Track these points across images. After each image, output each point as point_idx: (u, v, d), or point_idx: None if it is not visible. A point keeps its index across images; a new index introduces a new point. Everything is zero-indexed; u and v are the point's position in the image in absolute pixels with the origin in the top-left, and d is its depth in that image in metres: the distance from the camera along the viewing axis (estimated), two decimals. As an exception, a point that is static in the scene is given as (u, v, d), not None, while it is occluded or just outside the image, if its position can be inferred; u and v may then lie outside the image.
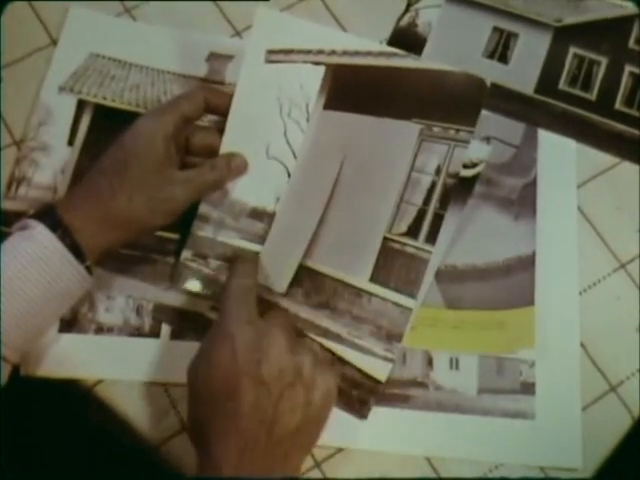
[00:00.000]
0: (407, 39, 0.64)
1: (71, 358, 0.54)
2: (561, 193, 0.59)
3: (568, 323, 0.55)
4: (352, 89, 0.56)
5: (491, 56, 0.63)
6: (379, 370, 0.52)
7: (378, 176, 0.55)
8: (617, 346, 0.55)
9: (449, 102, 0.54)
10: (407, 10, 0.65)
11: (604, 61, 0.63)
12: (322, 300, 0.54)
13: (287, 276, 0.55)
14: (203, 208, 0.55)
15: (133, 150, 0.51)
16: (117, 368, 0.54)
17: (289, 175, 0.56)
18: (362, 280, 0.54)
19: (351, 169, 0.55)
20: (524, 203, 0.58)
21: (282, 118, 0.56)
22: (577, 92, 0.62)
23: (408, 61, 0.55)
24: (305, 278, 0.55)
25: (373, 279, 0.53)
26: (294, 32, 0.56)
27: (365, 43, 0.56)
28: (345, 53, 0.56)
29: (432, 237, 0.53)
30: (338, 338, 0.53)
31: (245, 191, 0.56)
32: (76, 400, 0.54)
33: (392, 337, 0.52)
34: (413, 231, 0.53)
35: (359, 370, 0.52)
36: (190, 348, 0.54)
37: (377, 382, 0.52)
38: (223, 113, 0.55)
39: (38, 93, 0.61)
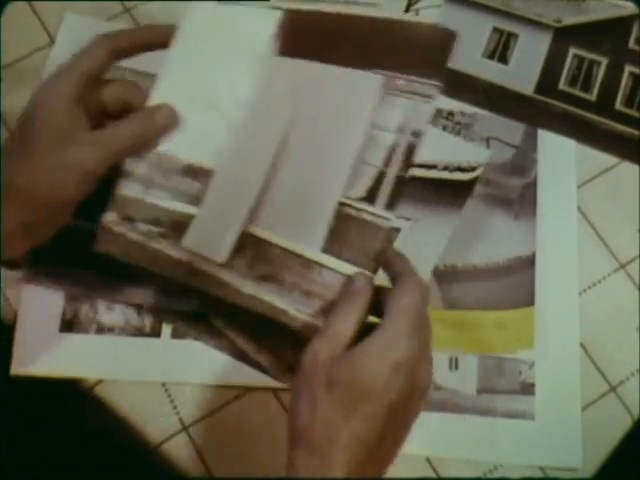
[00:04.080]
0: (407, 39, 0.64)
1: (72, 358, 0.54)
2: (561, 193, 0.59)
3: (568, 323, 0.55)
4: (310, 35, 0.51)
5: (491, 56, 0.63)
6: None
7: (333, 132, 0.49)
8: (617, 346, 0.55)
9: (414, 53, 0.49)
10: (407, 10, 0.65)
11: (604, 61, 0.63)
12: (268, 272, 0.49)
13: (228, 244, 0.49)
14: (129, 164, 0.49)
15: (32, 122, 0.46)
16: (118, 368, 0.54)
17: (231, 129, 0.50)
18: (313, 250, 0.48)
19: (302, 123, 0.50)
20: (524, 203, 0.58)
21: (229, 64, 0.50)
22: (577, 92, 0.62)
23: (370, 10, 0.50)
24: (248, 246, 0.49)
25: (325, 249, 0.48)
26: None
27: None
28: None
29: (392, 203, 0.48)
30: (284, 315, 0.48)
31: (177, 144, 0.50)
32: (76, 400, 0.54)
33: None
34: (371, 195, 0.48)
35: None
36: (191, 347, 0.54)
37: None
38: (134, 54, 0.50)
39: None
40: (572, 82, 0.62)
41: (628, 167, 0.60)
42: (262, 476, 0.52)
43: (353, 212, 0.48)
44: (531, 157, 0.59)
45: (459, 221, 0.56)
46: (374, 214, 0.48)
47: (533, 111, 0.61)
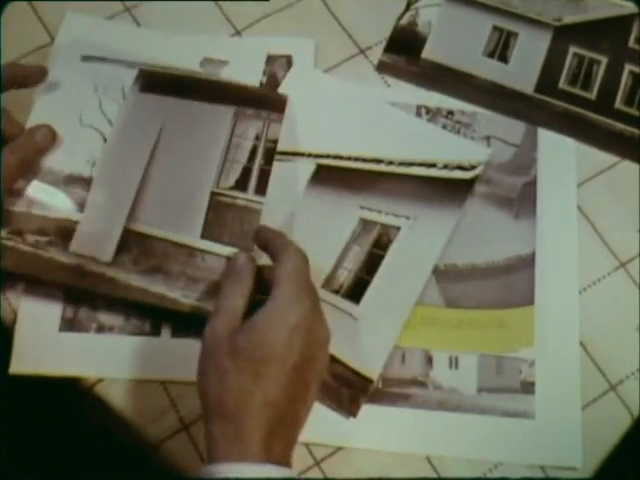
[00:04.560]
0: (407, 38, 0.64)
1: (71, 357, 0.54)
2: (561, 192, 0.59)
3: (568, 322, 0.55)
4: (167, 81, 0.59)
5: (491, 55, 0.63)
6: (370, 369, 0.52)
7: (199, 140, 0.56)
8: (617, 345, 0.55)
9: (259, 97, 0.58)
10: (407, 9, 0.65)
11: (604, 60, 0.63)
12: (153, 264, 0.53)
13: (112, 243, 0.53)
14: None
15: None
16: (118, 367, 0.54)
17: (105, 140, 0.56)
18: (193, 238, 0.53)
19: (171, 133, 0.56)
20: (524, 202, 0.58)
21: (97, 95, 0.57)
22: (577, 91, 0.62)
23: (219, 76, 0.60)
24: (133, 243, 0.54)
25: (205, 236, 0.53)
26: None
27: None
28: (157, 66, 0.59)
29: (261, 188, 0.54)
30: (175, 303, 0.53)
31: (57, 159, 0.55)
32: (76, 399, 0.54)
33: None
34: (241, 184, 0.54)
35: (350, 369, 0.52)
36: (191, 346, 0.54)
37: (368, 381, 0.52)
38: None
39: (33, 96, 0.61)
40: (572, 81, 0.62)
41: (628, 166, 0.60)
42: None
43: (228, 200, 0.54)
44: (531, 156, 0.59)
45: (459, 220, 0.56)
46: (247, 199, 0.54)
47: (533, 110, 0.61)
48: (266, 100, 0.59)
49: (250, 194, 0.54)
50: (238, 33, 0.64)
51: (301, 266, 0.48)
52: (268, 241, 0.51)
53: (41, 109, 0.57)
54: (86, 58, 0.59)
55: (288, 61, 0.62)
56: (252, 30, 0.64)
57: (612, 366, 0.55)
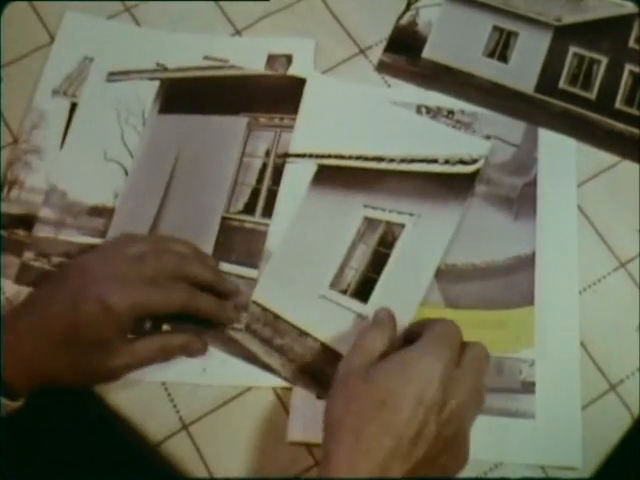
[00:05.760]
0: (407, 38, 0.64)
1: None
2: (561, 192, 0.59)
3: (568, 322, 0.55)
4: (185, 94, 0.62)
5: (491, 55, 0.63)
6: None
7: (212, 166, 0.59)
8: (617, 345, 0.55)
9: (272, 97, 0.61)
10: (407, 9, 0.65)
11: (604, 60, 0.63)
12: None
13: None
14: (43, 212, 0.58)
15: (88, 320, 0.48)
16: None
17: (127, 174, 0.59)
18: None
19: (186, 161, 0.60)
20: (524, 202, 0.58)
21: (120, 125, 0.61)
22: (577, 91, 0.62)
23: (233, 70, 0.62)
24: None
25: (214, 255, 0.57)
26: (132, 50, 0.63)
27: (190, 59, 0.63)
28: (177, 70, 0.62)
29: (268, 211, 0.58)
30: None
31: (83, 192, 0.59)
32: (76, 399, 0.54)
33: (238, 307, 0.55)
34: (250, 208, 0.58)
35: None
36: (190, 347, 0.54)
37: None
38: None
39: (33, 95, 0.61)
40: (572, 81, 0.62)
41: (628, 166, 0.60)
42: (262, 476, 0.52)
43: (236, 223, 0.58)
44: (531, 156, 0.59)
45: (463, 215, 0.56)
46: (254, 222, 0.58)
47: (533, 110, 0.61)
48: (281, 92, 0.61)
49: (257, 217, 0.58)
50: (238, 33, 0.64)
51: (450, 330, 0.48)
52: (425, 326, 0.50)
53: (70, 148, 0.60)
54: (111, 77, 0.62)
55: (288, 61, 0.62)
56: (252, 30, 0.64)
57: (612, 366, 0.55)
